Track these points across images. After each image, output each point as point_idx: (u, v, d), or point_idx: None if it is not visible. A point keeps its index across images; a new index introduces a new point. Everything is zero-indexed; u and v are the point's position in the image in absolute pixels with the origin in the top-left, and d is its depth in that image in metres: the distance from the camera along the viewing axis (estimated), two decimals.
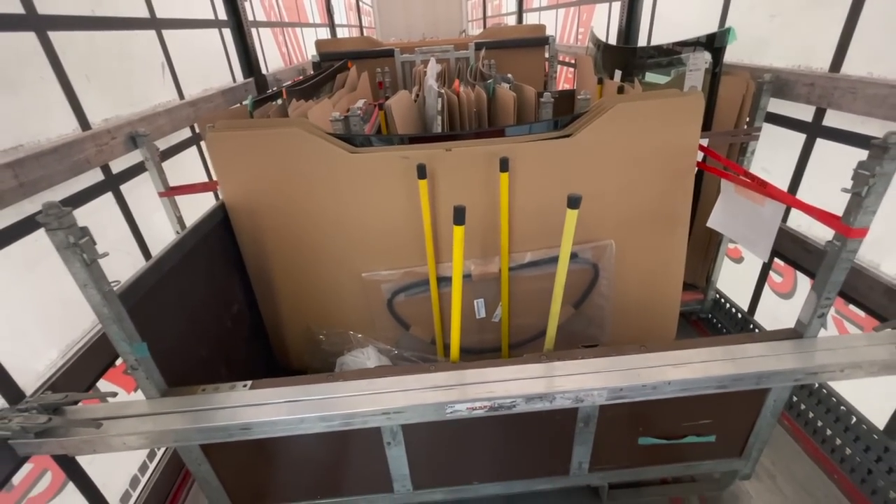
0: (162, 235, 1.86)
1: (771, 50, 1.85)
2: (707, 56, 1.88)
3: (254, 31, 3.02)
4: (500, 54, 3.29)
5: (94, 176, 1.52)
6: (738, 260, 2.11)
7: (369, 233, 1.55)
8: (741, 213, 1.45)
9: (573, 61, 4.17)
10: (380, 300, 1.64)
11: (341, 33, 6.56)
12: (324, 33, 5.58)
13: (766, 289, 1.96)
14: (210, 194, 2.27)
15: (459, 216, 1.04)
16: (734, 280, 2.14)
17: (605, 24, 3.48)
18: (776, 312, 1.93)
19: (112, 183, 1.60)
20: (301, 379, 1.16)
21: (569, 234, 1.13)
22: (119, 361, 1.52)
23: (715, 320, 2.26)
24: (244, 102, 1.73)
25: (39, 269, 1.27)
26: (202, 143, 2.27)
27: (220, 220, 1.57)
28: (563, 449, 1.35)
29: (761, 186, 1.30)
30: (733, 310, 2.15)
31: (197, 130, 2.22)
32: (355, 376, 1.16)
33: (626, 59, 2.60)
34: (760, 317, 2.01)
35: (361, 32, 9.12)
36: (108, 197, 1.58)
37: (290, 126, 1.40)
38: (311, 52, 4.87)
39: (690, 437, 1.36)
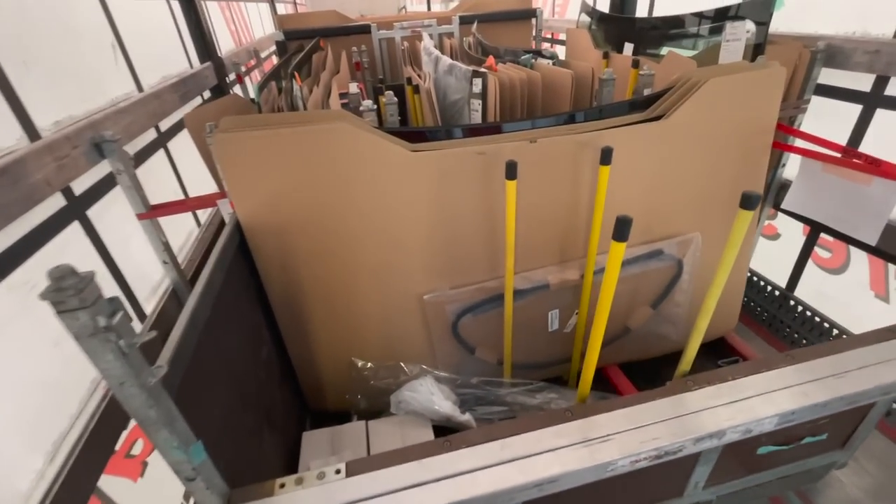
0: (143, 269, 1.46)
1: (812, 17, 1.78)
2: (749, 25, 1.77)
3: (202, 4, 2.52)
4: (483, 29, 3.02)
5: (54, 202, 1.11)
6: (774, 237, 2.08)
7: (431, 246, 1.28)
8: (832, 193, 1.36)
9: (551, 36, 3.99)
10: (443, 324, 1.39)
11: (279, 10, 5.90)
12: (265, 10, 4.95)
13: (810, 265, 1.93)
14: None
15: (622, 230, 0.82)
16: (768, 258, 2.11)
17: None
18: (821, 288, 1.91)
19: (77, 208, 1.19)
20: (409, 452, 0.90)
21: (738, 237, 0.95)
22: (118, 446, 1.16)
23: (746, 299, 2.24)
24: (250, 95, 1.36)
25: None
26: (169, 145, 1.83)
27: (237, 245, 1.22)
28: (682, 472, 1.21)
29: (873, 165, 1.20)
30: (769, 287, 2.12)
31: (162, 129, 1.78)
32: (478, 438, 0.92)
33: (633, 30, 2.46)
34: (802, 292, 1.99)
35: (296, 9, 8.34)
36: (75, 228, 1.17)
37: (335, 120, 1.09)
38: (257, 32, 4.30)
39: (807, 437, 1.28)
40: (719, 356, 1.75)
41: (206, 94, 2.39)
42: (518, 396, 1.48)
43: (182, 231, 1.83)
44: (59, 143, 1.08)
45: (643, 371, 1.69)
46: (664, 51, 2.29)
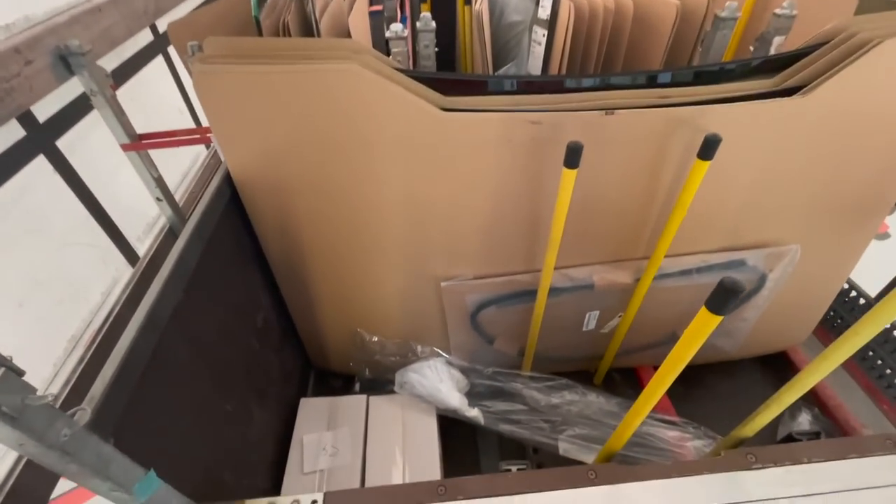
0: (136, 204, 1.30)
1: None
2: None
3: None
4: None
5: (9, 133, 0.92)
6: (882, 236, 1.70)
7: (457, 227, 1.04)
8: None
9: None
10: (461, 313, 1.20)
11: None
12: None
13: None
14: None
15: (723, 300, 0.56)
16: (865, 258, 1.75)
17: None
18: None
19: (41, 138, 1.00)
20: (396, 493, 0.77)
21: None
22: None
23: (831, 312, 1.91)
24: None
25: None
26: (171, 49, 1.56)
27: (227, 201, 1.03)
28: None
29: None
30: (853, 293, 1.79)
31: (161, 30, 1.50)
32: (479, 489, 0.77)
33: None
34: None
35: None
36: (41, 163, 1.00)
37: (344, 59, 0.81)
38: None
39: None
40: (775, 375, 1.53)
41: None
42: (535, 393, 1.33)
43: (187, 153, 1.64)
44: (6, 57, 0.86)
45: (681, 375, 1.50)
46: None
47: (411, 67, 1.28)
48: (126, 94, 1.28)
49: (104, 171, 1.18)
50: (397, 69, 0.87)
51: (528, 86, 0.92)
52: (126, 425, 0.65)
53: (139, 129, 1.19)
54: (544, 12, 1.19)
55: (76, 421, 0.53)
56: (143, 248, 1.32)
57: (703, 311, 0.58)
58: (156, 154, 1.28)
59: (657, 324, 1.29)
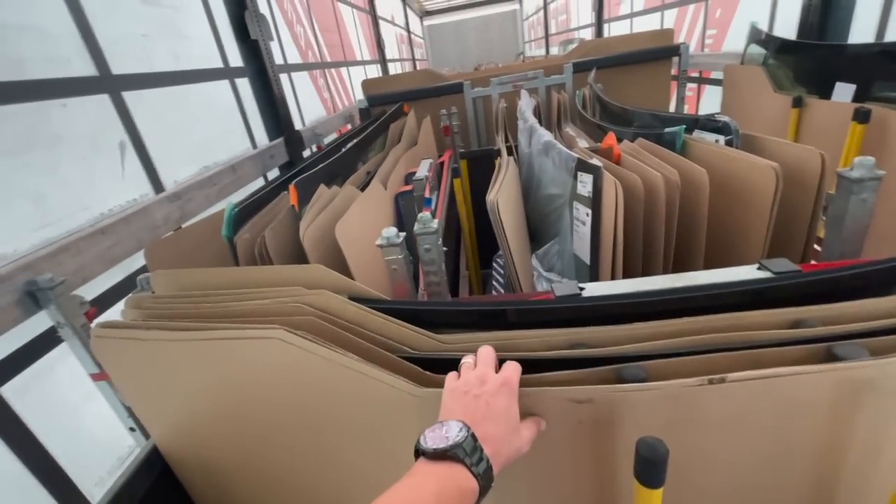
0: (105, 439, 1.09)
1: None
2: None
3: (284, 77, 2.34)
4: (607, 75, 2.36)
5: None
6: None
7: None
8: None
9: (698, 74, 3.12)
10: None
11: (393, 69, 5.98)
12: (374, 71, 4.97)
13: None
14: None
15: None
16: None
17: (766, 15, 2.43)
18: None
19: None
20: None
21: None
22: None
23: None
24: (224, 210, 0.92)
25: None
26: None
27: (157, 475, 0.75)
28: None
29: None
30: None
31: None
32: None
33: (849, 62, 1.58)
34: None
35: (414, 66, 8.59)
36: None
37: (265, 327, 0.55)
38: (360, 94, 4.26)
39: None
40: None
41: (274, 174, 2.15)
42: None
43: None
44: None
45: None
46: None
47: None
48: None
49: (62, 409, 1.00)
50: (365, 305, 0.60)
51: (562, 315, 0.59)
52: None
53: None
54: (585, 189, 0.93)
55: None
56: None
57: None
58: None
59: None
